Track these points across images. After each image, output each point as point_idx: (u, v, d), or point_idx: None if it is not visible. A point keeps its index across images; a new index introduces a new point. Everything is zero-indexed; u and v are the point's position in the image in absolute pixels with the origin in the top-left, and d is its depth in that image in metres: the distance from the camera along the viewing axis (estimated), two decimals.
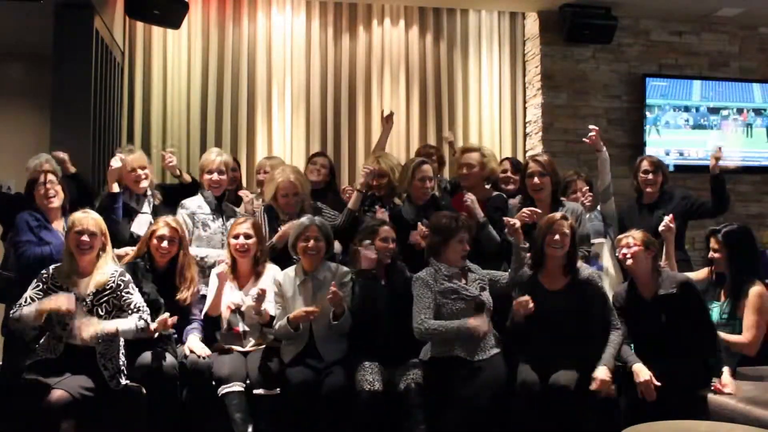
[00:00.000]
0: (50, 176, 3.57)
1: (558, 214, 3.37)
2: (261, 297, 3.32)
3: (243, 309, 3.49)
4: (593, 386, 3.11)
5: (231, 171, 4.16)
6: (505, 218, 3.55)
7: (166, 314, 3.19)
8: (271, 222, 3.83)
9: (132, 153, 3.97)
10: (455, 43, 5.74)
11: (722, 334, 3.42)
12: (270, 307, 3.46)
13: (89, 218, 3.14)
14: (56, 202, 3.54)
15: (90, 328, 3.00)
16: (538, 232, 3.36)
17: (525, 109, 5.84)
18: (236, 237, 3.54)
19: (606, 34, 5.55)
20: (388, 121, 4.68)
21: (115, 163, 3.74)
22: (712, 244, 3.60)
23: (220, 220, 3.89)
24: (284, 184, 3.78)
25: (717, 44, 5.97)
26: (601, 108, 5.71)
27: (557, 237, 3.27)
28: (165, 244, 3.40)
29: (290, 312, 3.37)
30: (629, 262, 3.32)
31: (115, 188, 3.74)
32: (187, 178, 4.17)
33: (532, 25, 5.76)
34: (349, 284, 3.49)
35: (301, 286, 3.45)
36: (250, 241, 3.53)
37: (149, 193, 3.97)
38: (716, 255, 3.58)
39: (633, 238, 3.34)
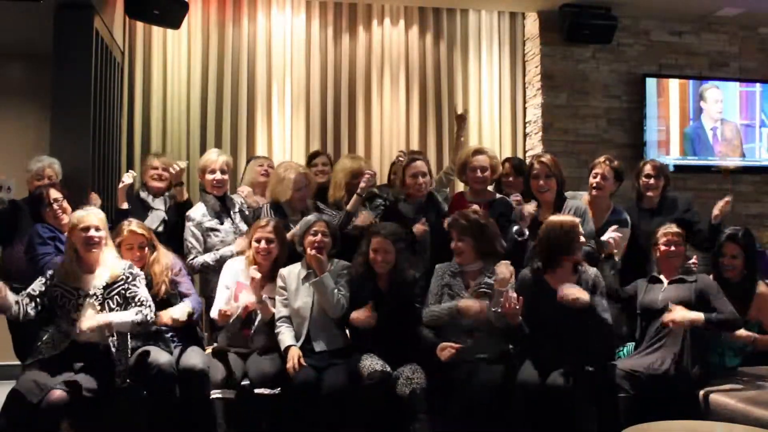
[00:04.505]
0: (54, 194, 3.57)
1: (575, 220, 3.34)
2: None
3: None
4: None
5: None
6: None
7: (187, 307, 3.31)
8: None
9: (160, 157, 4.16)
10: (455, 43, 5.74)
11: (744, 333, 3.36)
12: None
13: (92, 215, 3.15)
14: (66, 218, 3.49)
15: (87, 320, 2.98)
16: (551, 234, 3.31)
17: (525, 109, 5.84)
18: (258, 241, 3.53)
19: (606, 34, 5.54)
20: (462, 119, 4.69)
21: (127, 179, 3.83)
22: (731, 250, 3.49)
23: (228, 219, 3.89)
24: (298, 177, 3.83)
25: (717, 44, 5.96)
26: (601, 108, 5.71)
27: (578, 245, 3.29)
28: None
29: (293, 303, 3.47)
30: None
31: (125, 206, 3.78)
32: (185, 195, 4.06)
33: (532, 25, 5.75)
34: (345, 277, 3.53)
35: (305, 279, 3.50)
36: (272, 246, 3.53)
37: (167, 193, 4.09)
38: (736, 261, 3.48)
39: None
